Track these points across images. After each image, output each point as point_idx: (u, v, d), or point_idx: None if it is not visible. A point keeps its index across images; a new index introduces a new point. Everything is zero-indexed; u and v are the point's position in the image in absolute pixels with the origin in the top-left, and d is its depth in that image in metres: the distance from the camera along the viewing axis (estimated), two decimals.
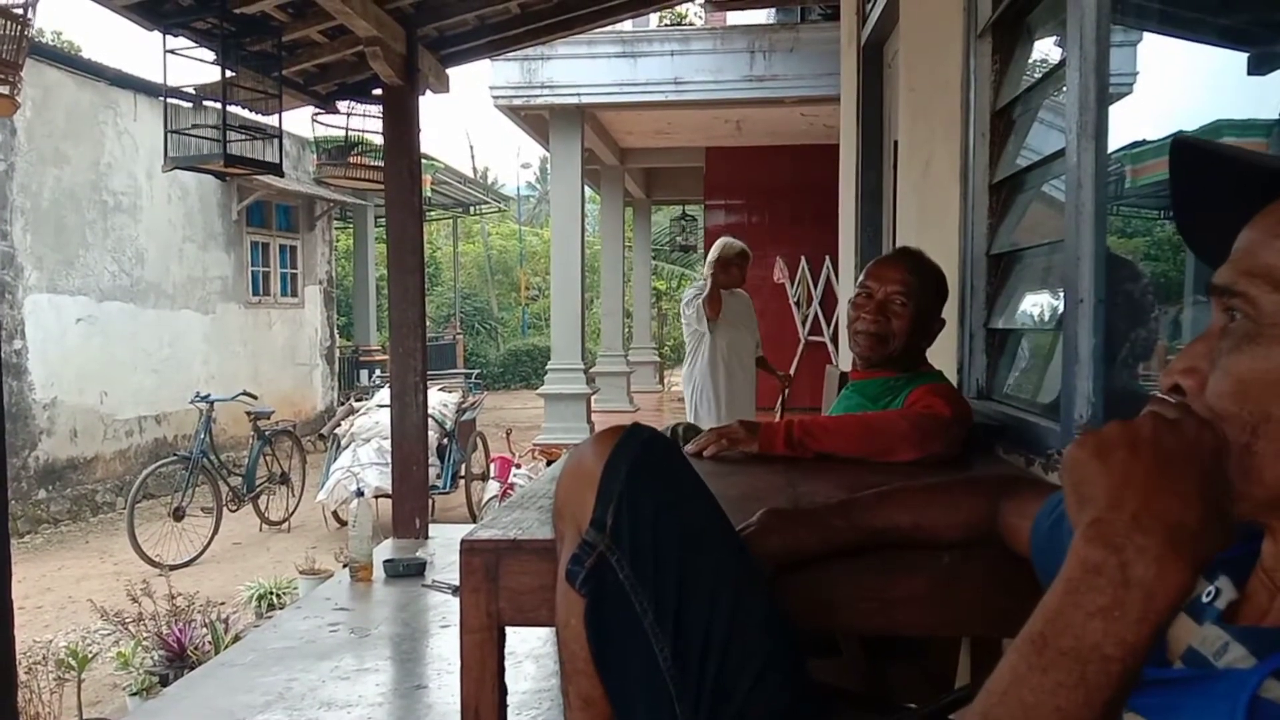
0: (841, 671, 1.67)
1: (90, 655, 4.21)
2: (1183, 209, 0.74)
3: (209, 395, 7.58)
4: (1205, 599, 0.69)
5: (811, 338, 10.25)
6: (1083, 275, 1.74)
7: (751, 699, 1.02)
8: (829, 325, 10.04)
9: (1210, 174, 0.69)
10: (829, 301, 10.12)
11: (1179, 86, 2.95)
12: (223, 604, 4.95)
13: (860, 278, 2.15)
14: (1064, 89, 1.91)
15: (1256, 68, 2.67)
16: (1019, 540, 1.03)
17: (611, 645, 1.07)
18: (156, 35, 4.20)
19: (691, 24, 10.12)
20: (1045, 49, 2.50)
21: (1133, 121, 2.20)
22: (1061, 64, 1.98)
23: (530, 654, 3.46)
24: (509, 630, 1.32)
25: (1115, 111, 1.84)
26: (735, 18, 8.89)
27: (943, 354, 2.35)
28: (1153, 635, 0.57)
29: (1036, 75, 2.41)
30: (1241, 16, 2.73)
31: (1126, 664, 0.56)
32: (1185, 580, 0.57)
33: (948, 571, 1.17)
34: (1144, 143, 2.55)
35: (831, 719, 1.17)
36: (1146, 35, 2.72)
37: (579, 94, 8.26)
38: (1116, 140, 1.89)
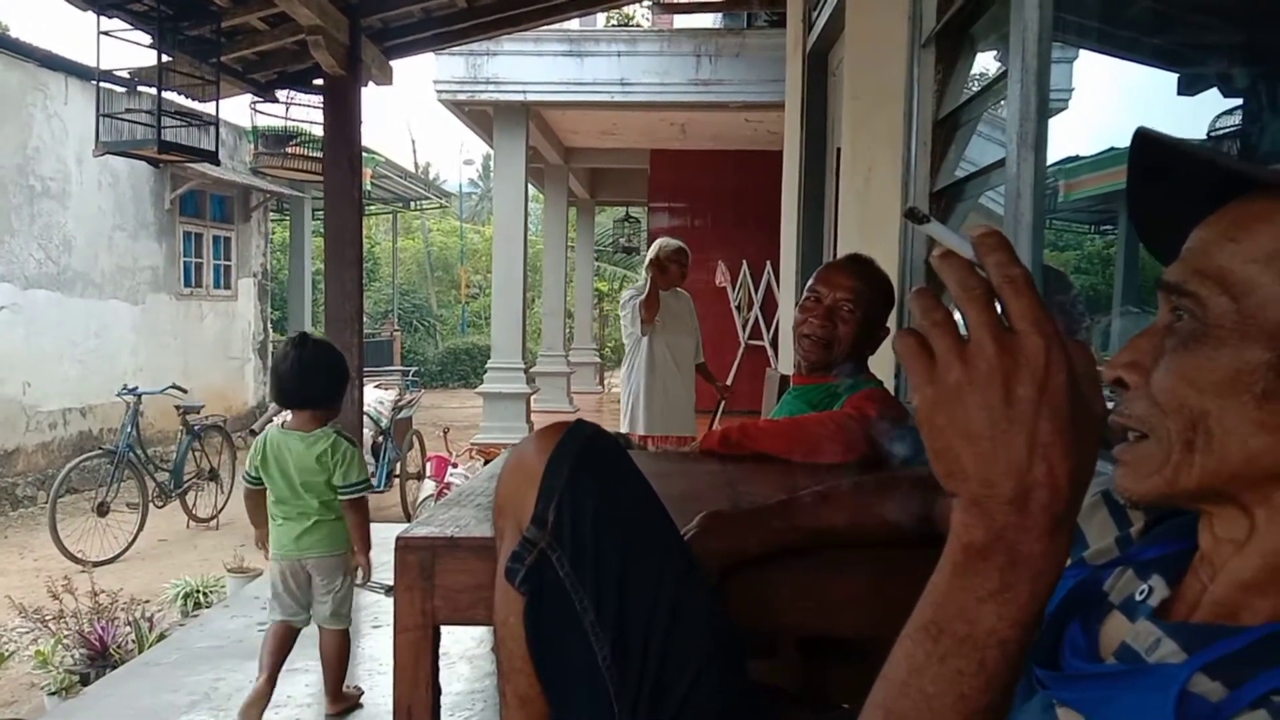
0: (778, 672, 1.67)
1: (6, 654, 4.07)
2: (1138, 202, 0.75)
3: (137, 388, 7.39)
4: (1139, 597, 0.70)
5: (751, 341, 10.30)
6: None
7: (690, 698, 1.02)
8: (769, 330, 10.11)
9: (1168, 171, 0.70)
10: (769, 306, 10.19)
11: (1111, 104, 3.03)
12: (147, 602, 4.82)
13: (810, 281, 2.16)
14: (1005, 100, 1.95)
15: (1186, 88, 2.75)
16: None
17: (550, 644, 1.06)
18: (90, 16, 4.09)
19: (639, 25, 10.13)
20: (987, 61, 2.55)
21: (1067, 137, 2.25)
22: (1003, 76, 2.02)
23: (464, 655, 3.42)
24: (443, 631, 1.30)
25: (1050, 126, 1.88)
26: (682, 21, 8.93)
27: (882, 359, 2.38)
28: (1044, 608, 0.56)
29: (977, 87, 2.45)
30: (1174, 37, 2.81)
31: (1022, 643, 0.55)
32: (1066, 545, 0.55)
33: (886, 570, 1.18)
34: (1077, 158, 2.62)
35: (770, 718, 1.17)
36: (1082, 53, 2.78)
37: (524, 91, 8.22)
38: (1051, 155, 1.93)
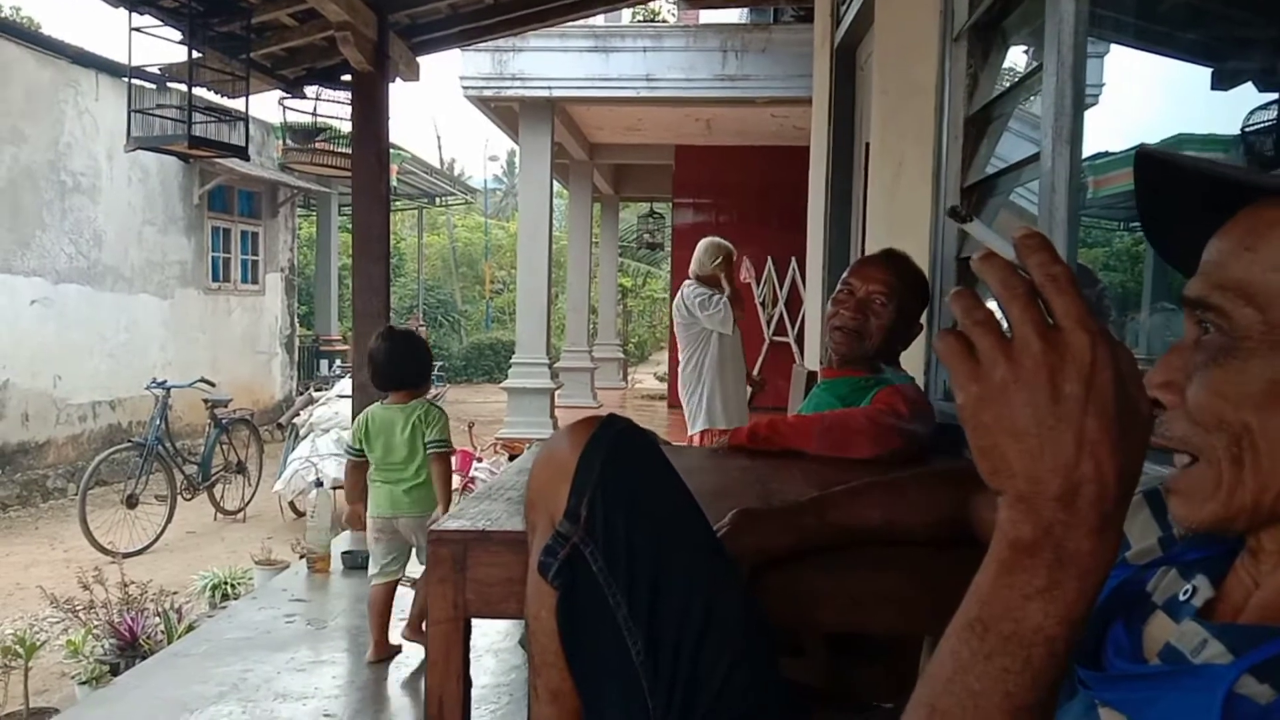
0: (806, 670, 1.67)
1: (38, 643, 4.12)
2: (1149, 220, 0.74)
3: (165, 381, 7.47)
4: (1183, 597, 0.69)
5: (776, 338, 10.29)
6: None
7: (724, 694, 1.02)
8: (794, 326, 10.08)
9: (1174, 185, 0.69)
10: (794, 302, 10.17)
11: (1144, 99, 2.99)
12: (176, 593, 4.87)
13: (844, 275, 2.16)
14: (1038, 95, 1.93)
15: (1219, 83, 2.72)
16: (991, 533, 1.03)
17: (583, 638, 1.06)
18: (121, 12, 4.13)
19: (664, 21, 10.11)
20: (1020, 56, 2.52)
21: (1098, 132, 2.22)
22: (1037, 70, 2.00)
23: (490, 648, 3.44)
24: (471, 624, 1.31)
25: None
26: (708, 16, 8.89)
27: (912, 355, 2.36)
28: (1092, 606, 0.55)
29: (1009, 81, 2.43)
30: (1208, 32, 2.77)
31: (1069, 641, 0.55)
32: (1115, 543, 0.55)
33: (919, 568, 1.18)
34: (1107, 154, 2.59)
35: (802, 717, 1.16)
36: (1114, 48, 2.76)
37: (550, 87, 8.22)
38: (1084, 150, 1.92)
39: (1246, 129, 2.47)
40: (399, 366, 3.53)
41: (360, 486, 3.60)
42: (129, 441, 7.37)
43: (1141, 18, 2.62)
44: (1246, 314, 0.62)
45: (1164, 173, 0.69)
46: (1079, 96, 1.75)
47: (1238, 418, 0.63)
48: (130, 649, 4.04)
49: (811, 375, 3.32)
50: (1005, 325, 0.55)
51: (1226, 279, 0.64)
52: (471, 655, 1.31)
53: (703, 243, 5.30)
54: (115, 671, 3.83)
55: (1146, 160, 0.70)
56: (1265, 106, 2.46)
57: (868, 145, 4.06)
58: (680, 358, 5.36)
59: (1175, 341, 0.69)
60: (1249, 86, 2.64)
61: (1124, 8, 2.45)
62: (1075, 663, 0.69)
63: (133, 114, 4.32)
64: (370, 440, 3.49)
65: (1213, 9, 2.63)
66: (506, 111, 8.97)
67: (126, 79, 4.33)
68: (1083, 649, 0.71)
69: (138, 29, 4.18)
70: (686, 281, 5.30)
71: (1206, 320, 0.65)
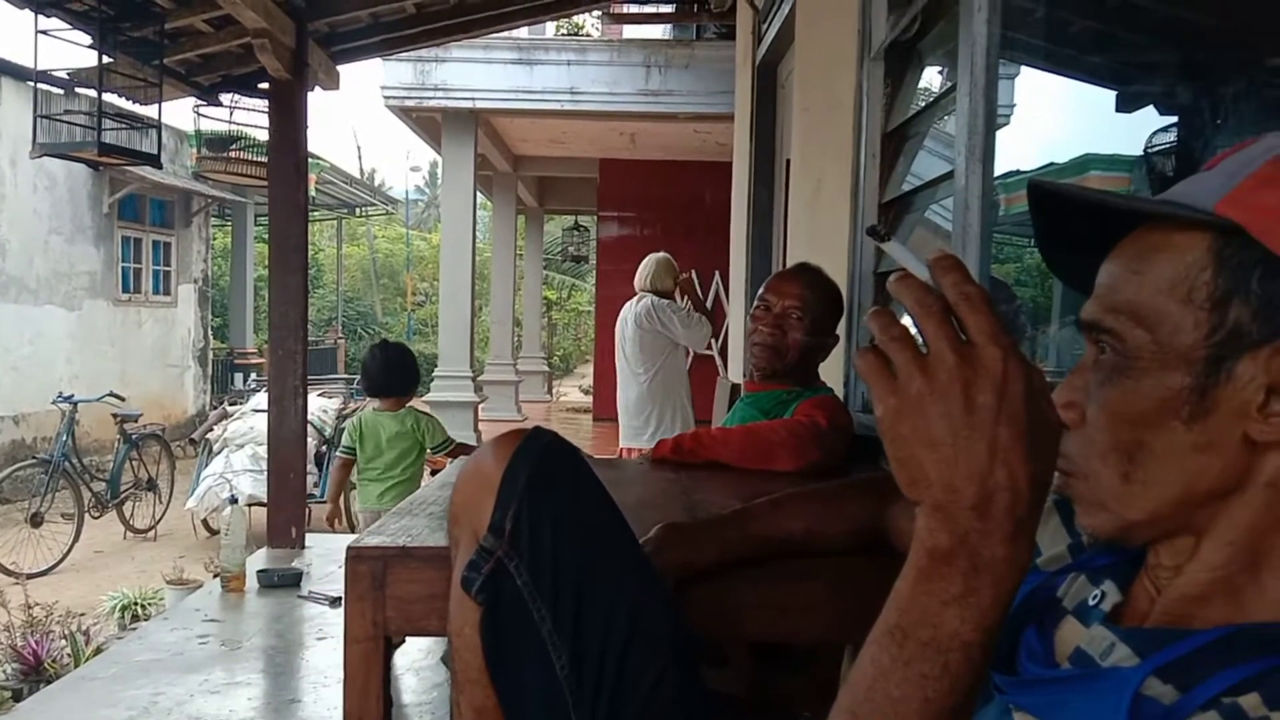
0: (730, 681, 1.68)
1: None
2: (1047, 246, 0.77)
3: (72, 396, 7.22)
4: (1092, 602, 0.72)
5: (700, 351, 10.35)
6: None
7: (649, 706, 1.02)
8: (718, 340, 10.16)
9: (1067, 214, 0.72)
10: (718, 316, 10.25)
11: (1053, 120, 3.10)
12: (83, 615, 4.70)
13: (760, 290, 2.19)
14: (952, 114, 1.98)
15: (1123, 105, 2.83)
16: (905, 544, 1.05)
17: (507, 654, 1.05)
18: (27, 14, 3.99)
19: (588, 35, 10.14)
20: (935, 76, 2.58)
21: (1010, 151, 2.29)
22: (951, 90, 2.05)
23: (411, 667, 3.38)
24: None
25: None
26: (631, 31, 8.95)
27: (831, 368, 2.40)
28: (1006, 612, 0.57)
29: (925, 100, 2.49)
30: (1113, 56, 2.88)
31: (985, 646, 0.57)
32: (1028, 550, 0.57)
33: (842, 578, 1.19)
34: (1018, 172, 2.67)
35: None
36: (1025, 70, 2.84)
37: (473, 98, 8.18)
38: (996, 169, 1.97)
39: (1149, 150, 2.57)
40: (389, 376, 4.04)
41: (344, 483, 4.19)
42: (33, 458, 7.12)
43: (1051, 41, 2.71)
44: (1138, 335, 0.65)
45: (1058, 202, 0.72)
46: (991, 116, 1.80)
47: (1132, 435, 0.65)
48: (34, 673, 3.89)
49: (735, 388, 3.35)
50: (921, 342, 0.57)
51: (1118, 301, 0.67)
52: (392, 674, 1.29)
53: (658, 259, 5.23)
54: (18, 697, 3.69)
55: (1039, 191, 0.72)
56: (1166, 129, 2.56)
57: (788, 161, 4.13)
58: (634, 370, 5.22)
59: (1077, 363, 0.72)
60: (1151, 109, 2.74)
61: (1034, 31, 2.53)
62: (990, 668, 0.71)
63: (39, 119, 4.17)
64: (362, 442, 4.00)
65: (1117, 34, 2.73)
66: (429, 122, 8.90)
67: (33, 83, 4.19)
68: (997, 654, 0.72)
69: (44, 32, 4.05)
70: (647, 296, 5.17)
71: (1103, 341, 0.68)
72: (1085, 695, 0.63)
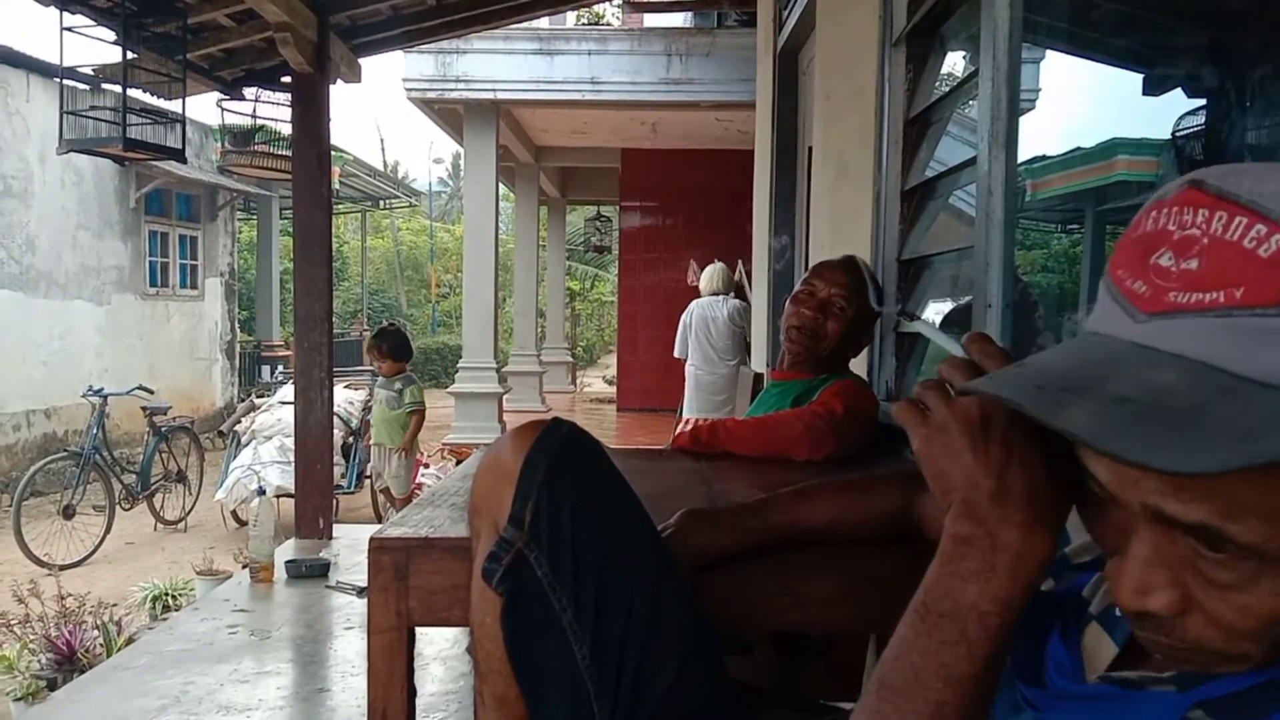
0: (753, 669, 1.68)
1: None
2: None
3: (102, 389, 7.29)
4: (1118, 612, 0.70)
5: None
6: (991, 281, 1.78)
7: (670, 696, 1.02)
8: None
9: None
10: None
11: (1078, 104, 3.06)
12: (115, 605, 4.75)
13: (805, 275, 2.18)
14: (975, 100, 1.96)
15: (1151, 89, 2.78)
16: (935, 531, 1.04)
17: (528, 644, 1.05)
18: (53, 11, 4.03)
19: (609, 24, 10.12)
20: (958, 60, 2.56)
21: (1034, 136, 2.26)
22: (973, 75, 2.03)
23: (437, 656, 3.40)
24: (416, 632, 1.29)
25: (1019, 126, 1.90)
26: (652, 20, 8.92)
27: (856, 366, 2.39)
28: (1025, 593, 0.62)
29: (947, 86, 2.46)
30: (1139, 38, 2.84)
31: (1003, 618, 0.62)
32: (1046, 539, 0.63)
33: (862, 568, 1.19)
34: (1044, 157, 2.64)
35: (748, 716, 1.17)
36: (1049, 53, 2.81)
37: (494, 89, 8.19)
38: (1020, 154, 1.95)
39: (1177, 134, 2.53)
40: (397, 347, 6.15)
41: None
42: (65, 451, 7.20)
43: (1075, 24, 2.67)
44: (1265, 532, 0.54)
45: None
46: (1014, 101, 1.79)
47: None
48: (68, 663, 3.94)
49: (759, 378, 3.34)
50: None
51: (1243, 504, 0.54)
52: (418, 663, 1.30)
53: (720, 269, 6.49)
54: (52, 687, 3.73)
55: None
56: (1194, 112, 2.52)
57: (810, 149, 4.10)
58: (724, 359, 6.36)
59: (1143, 548, 0.59)
60: (1178, 92, 2.70)
61: (1057, 14, 2.50)
62: (1018, 679, 0.72)
63: (65, 116, 4.21)
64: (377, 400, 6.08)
65: (1142, 16, 2.69)
66: (450, 114, 8.91)
67: (59, 80, 4.23)
68: (1024, 665, 0.72)
69: (69, 29, 4.08)
70: (721, 296, 6.39)
71: (1224, 548, 0.56)
72: (1122, 716, 0.64)
